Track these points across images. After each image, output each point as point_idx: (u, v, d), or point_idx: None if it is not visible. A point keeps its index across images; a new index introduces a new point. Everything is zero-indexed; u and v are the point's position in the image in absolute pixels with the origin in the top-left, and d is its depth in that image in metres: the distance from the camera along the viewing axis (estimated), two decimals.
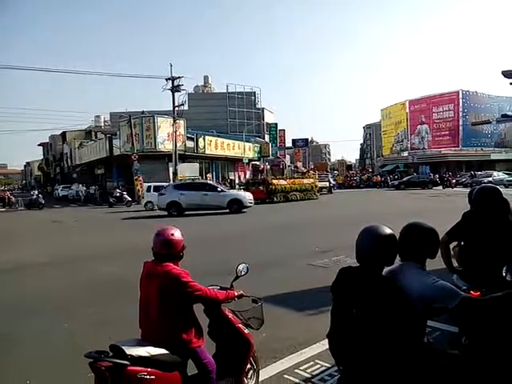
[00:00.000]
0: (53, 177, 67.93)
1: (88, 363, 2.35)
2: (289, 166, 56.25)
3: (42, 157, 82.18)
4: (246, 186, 29.53)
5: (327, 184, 37.69)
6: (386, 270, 2.35)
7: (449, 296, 2.20)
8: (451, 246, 3.74)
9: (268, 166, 49.33)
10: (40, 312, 5.70)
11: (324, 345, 3.87)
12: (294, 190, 28.41)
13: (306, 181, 30.42)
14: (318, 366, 3.69)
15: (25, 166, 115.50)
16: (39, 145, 79.05)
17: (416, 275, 2.27)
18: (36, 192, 28.16)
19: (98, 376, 2.36)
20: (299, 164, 58.42)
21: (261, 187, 27.65)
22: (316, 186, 31.00)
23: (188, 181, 23.18)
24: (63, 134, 59.26)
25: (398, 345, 2.11)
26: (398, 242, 2.34)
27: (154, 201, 22.72)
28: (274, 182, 28.12)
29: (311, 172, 41.44)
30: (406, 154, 59.61)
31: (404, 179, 42.36)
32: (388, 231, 2.31)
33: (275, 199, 26.83)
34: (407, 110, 60.13)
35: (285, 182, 28.63)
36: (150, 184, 25.79)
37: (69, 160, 53.96)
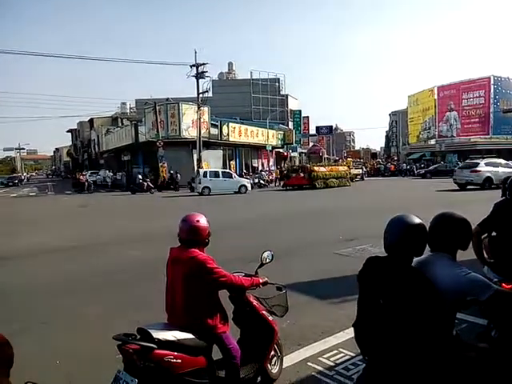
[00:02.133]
0: (81, 162, 69.53)
1: (116, 345, 2.40)
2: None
3: (70, 143, 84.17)
4: (287, 173, 31.02)
5: (360, 171, 39.58)
6: (415, 260, 2.30)
7: (481, 288, 2.14)
8: (482, 237, 3.63)
9: (304, 154, 49.49)
10: (70, 294, 5.89)
11: (348, 334, 3.85)
12: (332, 176, 29.54)
13: (341, 168, 31.78)
14: (342, 354, 3.68)
15: (54, 152, 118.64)
16: (68, 131, 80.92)
17: (447, 267, 2.21)
18: (140, 177, 29.20)
19: (125, 358, 2.41)
20: (324, 151, 57.82)
21: (302, 174, 28.80)
22: (349, 174, 32.63)
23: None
24: (91, 121, 60.44)
25: (427, 337, 2.07)
26: (428, 232, 2.28)
27: (210, 186, 25.55)
28: (316, 169, 29.12)
29: (349, 160, 43.59)
30: (433, 141, 58.10)
31: (430, 168, 41.36)
32: (417, 221, 2.25)
33: (317, 185, 27.78)
34: (435, 97, 58.35)
35: (324, 169, 29.72)
36: (206, 170, 27.71)
37: (96, 146, 55.09)
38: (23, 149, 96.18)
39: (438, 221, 2.34)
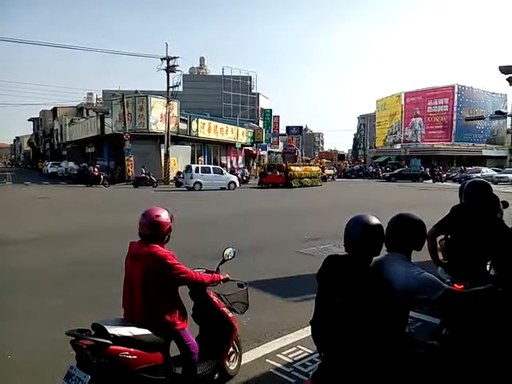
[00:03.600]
0: (42, 153, 67.07)
1: (69, 341, 2.34)
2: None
3: (32, 132, 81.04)
4: (263, 171, 31.88)
5: (332, 172, 41.93)
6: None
7: (432, 288, 2.22)
8: (438, 239, 3.76)
9: (274, 153, 50.14)
10: (28, 288, 5.68)
11: (307, 331, 3.89)
12: (306, 176, 30.49)
13: (314, 168, 33.15)
14: (301, 351, 3.73)
15: (14, 141, 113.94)
16: (29, 120, 77.90)
17: (401, 266, 2.28)
18: (144, 171, 28.23)
19: (78, 354, 2.35)
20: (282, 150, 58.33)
21: (278, 172, 29.53)
22: (321, 174, 34.09)
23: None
24: (54, 110, 58.36)
25: (380, 334, 2.13)
26: (386, 232, 2.35)
27: (202, 181, 25.72)
28: (292, 168, 29.73)
29: (323, 160, 46.18)
30: (398, 146, 59.77)
31: (395, 171, 42.55)
32: (375, 221, 2.31)
33: (293, 184, 28.49)
34: (402, 102, 60.12)
35: (300, 169, 30.55)
36: (197, 165, 27.94)
37: (59, 136, 53.25)
38: None
39: (395, 221, 2.41)
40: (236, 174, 31.63)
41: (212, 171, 27.06)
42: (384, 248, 2.39)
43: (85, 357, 2.32)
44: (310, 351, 3.66)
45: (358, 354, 2.14)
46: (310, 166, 34.35)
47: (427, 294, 2.23)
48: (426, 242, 2.64)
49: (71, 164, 39.21)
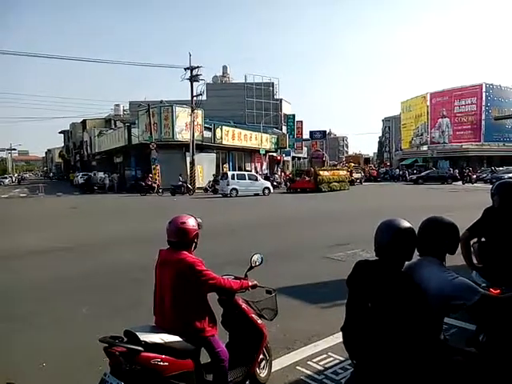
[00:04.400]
0: (73, 164, 69.03)
1: (103, 348, 2.38)
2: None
3: (62, 144, 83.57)
4: (292, 177, 32.52)
5: (360, 176, 41.67)
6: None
7: (468, 293, 2.14)
8: (471, 242, 3.65)
9: (298, 159, 50.46)
10: (59, 295, 5.83)
11: (337, 338, 3.84)
12: (334, 180, 30.60)
13: (341, 172, 33.29)
14: (331, 358, 3.67)
15: (46, 153, 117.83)
16: (60, 132, 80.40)
17: (434, 271, 2.22)
18: (181, 179, 29.59)
19: (112, 360, 2.39)
20: (309, 156, 58.04)
21: (307, 178, 29.87)
22: (349, 178, 34.31)
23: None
24: (83, 122, 60.09)
25: (414, 341, 2.07)
26: (417, 236, 2.29)
27: (238, 188, 26.38)
28: (321, 173, 30.03)
29: (351, 164, 46.16)
30: (425, 148, 58.57)
31: (423, 174, 41.66)
32: (406, 224, 2.26)
33: (322, 189, 28.75)
34: (428, 103, 58.93)
35: (328, 174, 30.76)
36: (233, 172, 28.85)
37: (88, 148, 54.73)
38: (14, 150, 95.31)
39: (427, 225, 2.35)
40: (272, 180, 32.90)
41: (247, 178, 27.81)
42: (416, 253, 2.33)
43: (118, 363, 2.35)
44: (341, 358, 3.60)
45: (392, 362, 2.09)
46: (338, 170, 34.54)
47: (463, 299, 2.15)
48: (460, 246, 2.57)
49: (100, 174, 40.20)
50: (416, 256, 2.34)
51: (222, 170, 36.51)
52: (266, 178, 34.91)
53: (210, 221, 12.62)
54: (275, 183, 34.70)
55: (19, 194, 35.01)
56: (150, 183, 29.28)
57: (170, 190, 28.55)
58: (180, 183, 29.14)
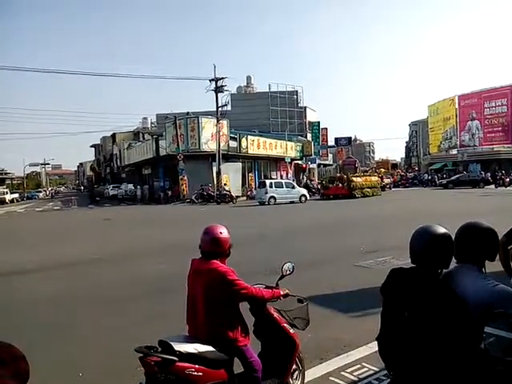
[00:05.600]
0: (103, 177, 70.92)
1: (138, 357, 2.41)
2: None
3: (93, 158, 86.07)
4: (325, 184, 32.84)
5: (389, 181, 41.70)
6: None
7: (509, 301, 2.07)
8: (509, 247, 3.52)
9: (323, 166, 52.31)
10: (93, 306, 5.96)
11: (371, 348, 3.77)
12: (367, 186, 30.91)
13: (373, 178, 33.65)
14: (366, 369, 3.60)
15: (78, 167, 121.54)
16: (91, 146, 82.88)
17: (474, 278, 2.15)
18: (226, 188, 31.39)
19: (147, 370, 2.42)
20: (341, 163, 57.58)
21: (340, 184, 30.24)
22: (380, 183, 34.53)
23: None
24: (113, 136, 61.81)
25: (454, 351, 2.01)
26: (454, 242, 2.23)
27: (276, 196, 26.99)
28: (354, 179, 30.38)
29: (382, 170, 47.01)
30: (454, 151, 57.09)
31: (453, 178, 40.58)
32: (442, 230, 2.20)
33: (356, 195, 29.08)
34: (456, 106, 57.49)
35: (360, 180, 31.11)
36: (271, 181, 29.50)
37: (118, 160, 56.15)
38: (48, 164, 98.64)
39: (464, 231, 2.28)
40: (311, 187, 33.98)
41: (284, 186, 28.43)
42: (454, 260, 2.26)
43: (153, 373, 2.38)
44: (376, 369, 3.52)
45: (431, 373, 2.03)
46: (370, 176, 34.82)
47: (504, 307, 2.08)
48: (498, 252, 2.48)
49: (130, 186, 41.14)
50: (454, 263, 2.28)
51: (248, 178, 36.76)
52: (306, 185, 36.08)
53: (245, 228, 12.78)
54: (314, 190, 35.47)
55: (53, 207, 36.16)
56: (212, 193, 30.09)
57: (215, 199, 29.32)
58: (225, 192, 30.01)
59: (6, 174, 79.44)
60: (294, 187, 29.02)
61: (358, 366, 3.68)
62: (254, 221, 17.33)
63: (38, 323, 5.26)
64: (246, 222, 16.06)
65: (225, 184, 30.88)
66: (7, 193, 51.14)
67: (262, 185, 28.18)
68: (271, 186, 27.45)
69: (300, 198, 27.90)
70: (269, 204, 26.26)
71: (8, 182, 79.23)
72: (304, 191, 29.54)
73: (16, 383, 1.03)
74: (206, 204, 28.76)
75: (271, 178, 38.58)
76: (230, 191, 30.39)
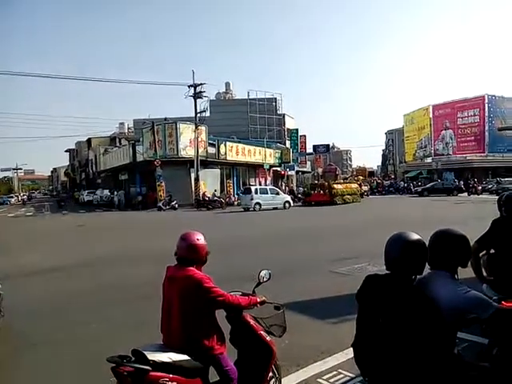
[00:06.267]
0: (78, 182, 69.53)
1: (110, 368, 2.35)
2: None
3: (68, 163, 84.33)
4: (306, 191, 33.80)
5: (367, 188, 43.54)
6: None
7: (482, 306, 2.11)
8: (480, 254, 3.61)
9: (301, 173, 52.44)
10: (66, 314, 5.80)
11: (347, 354, 3.79)
12: (347, 193, 31.64)
13: (353, 185, 34.56)
14: (342, 375, 3.61)
15: (52, 172, 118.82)
16: (66, 151, 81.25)
17: (446, 285, 2.18)
18: (216, 194, 31.58)
19: (119, 380, 2.35)
20: (320, 170, 58.15)
21: (321, 191, 30.96)
22: (360, 191, 35.46)
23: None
24: (89, 141, 60.78)
25: (428, 356, 2.03)
26: (428, 249, 2.26)
27: (261, 202, 27.18)
28: (335, 186, 31.14)
29: (360, 177, 48.80)
30: (429, 160, 58.52)
31: (428, 186, 41.53)
32: (416, 237, 2.24)
33: (337, 202, 29.72)
34: (431, 115, 59.11)
35: (341, 187, 31.93)
36: (256, 187, 29.94)
37: (94, 166, 55.17)
38: (20, 169, 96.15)
39: (437, 238, 2.32)
40: (296, 194, 35.04)
41: (269, 192, 28.69)
42: (427, 266, 2.30)
43: (126, 383, 2.32)
44: (352, 375, 3.53)
45: (405, 378, 2.05)
46: (350, 183, 35.70)
47: (477, 312, 2.12)
48: None
49: (106, 192, 40.41)
50: (428, 270, 2.31)
51: (226, 185, 36.70)
52: (291, 191, 37.35)
53: (222, 235, 12.71)
54: (299, 196, 36.17)
55: (25, 213, 35.19)
56: (220, 199, 30.30)
57: (206, 205, 29.32)
58: (215, 198, 30.07)
59: None
60: (278, 193, 29.37)
61: (335, 372, 3.68)
62: (238, 227, 17.28)
63: (9, 333, 5.07)
64: (227, 229, 16.00)
65: (215, 190, 31.18)
66: None
67: (248, 191, 28.32)
68: (256, 193, 27.61)
69: (284, 205, 28.14)
70: (254, 210, 26.35)
71: None
72: (288, 198, 29.93)
73: None
74: (197, 210, 28.71)
75: (250, 185, 38.66)
76: (220, 197, 30.69)
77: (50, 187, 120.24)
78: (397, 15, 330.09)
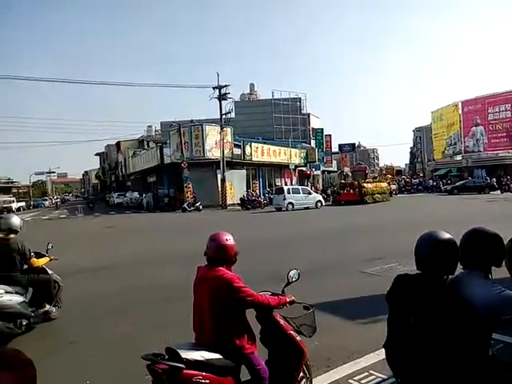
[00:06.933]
0: (109, 185, 71.20)
1: (145, 365, 2.42)
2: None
3: (98, 166, 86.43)
4: (336, 190, 34.10)
5: (395, 187, 43.21)
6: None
7: None
8: None
9: (327, 172, 53.95)
10: (99, 314, 5.97)
11: (378, 355, 3.75)
12: (377, 192, 31.68)
13: (383, 184, 34.66)
14: (373, 376, 3.58)
15: (83, 175, 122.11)
16: (96, 154, 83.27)
17: (480, 284, 2.14)
18: (254, 194, 32.48)
19: (155, 378, 2.42)
20: (346, 169, 57.49)
21: (351, 190, 31.15)
22: (389, 189, 35.38)
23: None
24: (118, 144, 62.15)
25: (462, 357, 2.00)
26: (460, 248, 2.23)
27: (293, 202, 27.35)
28: (365, 185, 31.30)
29: (389, 176, 48.47)
30: (459, 157, 56.88)
31: (458, 184, 40.45)
32: (446, 236, 2.21)
33: (367, 201, 29.80)
34: (460, 112, 57.38)
35: (371, 186, 31.99)
36: (288, 187, 30.13)
37: (123, 168, 56.41)
38: (53, 172, 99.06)
39: (469, 237, 2.28)
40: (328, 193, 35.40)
41: (301, 192, 28.80)
42: (460, 266, 2.26)
43: (160, 381, 2.38)
44: (384, 376, 3.50)
45: (438, 379, 2.02)
46: (380, 182, 35.61)
47: None
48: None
49: (135, 194, 41.25)
50: (460, 270, 2.28)
51: (253, 186, 36.83)
52: (324, 191, 37.84)
53: (257, 235, 12.83)
54: (332, 195, 36.16)
55: (59, 215, 36.32)
56: (260, 199, 30.82)
57: (245, 205, 29.73)
58: (254, 198, 30.56)
59: (12, 182, 79.89)
60: (310, 193, 29.48)
61: (366, 373, 3.65)
62: (272, 227, 17.41)
63: (44, 333, 5.26)
64: (260, 228, 16.11)
65: (253, 190, 32.11)
66: (14, 201, 51.48)
67: (280, 191, 28.62)
68: (289, 192, 27.78)
69: (316, 204, 28.27)
70: (286, 210, 26.53)
71: (14, 190, 79.66)
72: (319, 197, 30.06)
73: None
74: (242, 209, 29.22)
75: (275, 185, 38.63)
76: (259, 197, 31.24)
77: (82, 190, 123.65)
78: (424, 12, 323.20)
